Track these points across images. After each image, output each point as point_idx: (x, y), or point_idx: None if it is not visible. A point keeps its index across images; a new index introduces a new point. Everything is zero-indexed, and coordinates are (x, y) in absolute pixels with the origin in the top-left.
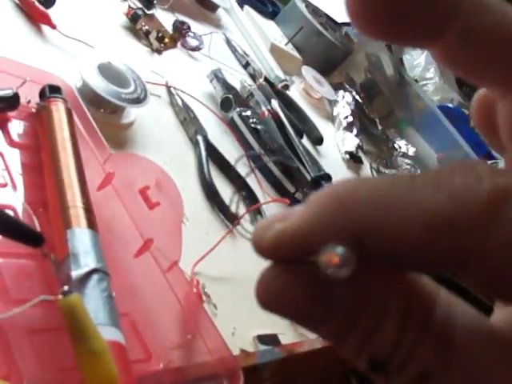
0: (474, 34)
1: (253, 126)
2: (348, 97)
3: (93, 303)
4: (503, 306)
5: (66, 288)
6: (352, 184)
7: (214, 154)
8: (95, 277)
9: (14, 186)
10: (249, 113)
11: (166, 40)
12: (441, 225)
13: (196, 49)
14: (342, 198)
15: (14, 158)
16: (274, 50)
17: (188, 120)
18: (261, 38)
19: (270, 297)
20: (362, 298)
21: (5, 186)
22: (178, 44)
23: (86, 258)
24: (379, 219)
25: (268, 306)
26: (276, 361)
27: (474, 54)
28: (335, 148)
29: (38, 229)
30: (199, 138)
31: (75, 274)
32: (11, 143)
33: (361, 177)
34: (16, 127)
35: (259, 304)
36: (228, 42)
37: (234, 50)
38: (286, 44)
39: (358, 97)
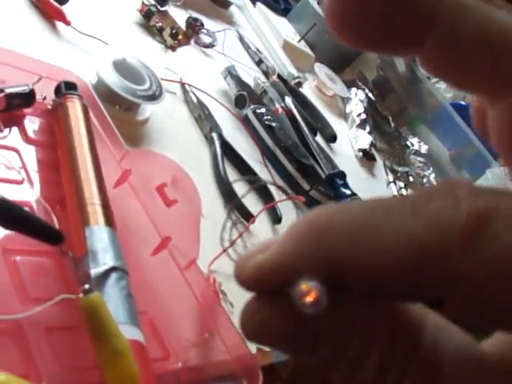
0: (454, 39)
1: (267, 123)
2: (361, 94)
3: (112, 302)
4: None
5: (86, 286)
6: (328, 213)
7: (228, 151)
8: (114, 275)
9: (31, 183)
10: (263, 110)
11: (180, 37)
12: (417, 253)
13: (209, 46)
14: (317, 228)
15: (30, 154)
16: (287, 47)
17: (203, 117)
18: (273, 35)
19: (251, 331)
20: (346, 328)
21: (21, 182)
22: (192, 41)
23: (104, 256)
24: (355, 248)
25: (251, 339)
26: (292, 359)
27: (456, 61)
28: (348, 145)
29: (57, 226)
30: (214, 135)
31: (94, 272)
32: (27, 140)
33: (339, 204)
34: (32, 124)
35: (244, 336)
36: (241, 38)
37: (246, 46)
38: (299, 41)
39: (370, 94)
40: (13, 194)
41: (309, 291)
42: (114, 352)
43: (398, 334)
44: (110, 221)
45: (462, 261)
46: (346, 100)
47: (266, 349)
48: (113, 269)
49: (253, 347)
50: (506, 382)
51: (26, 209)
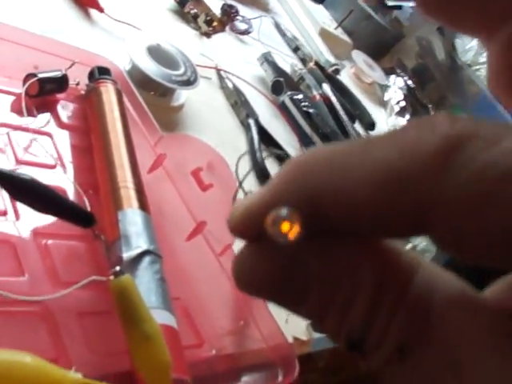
0: None
1: (305, 109)
2: (400, 82)
3: (144, 286)
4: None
5: (117, 268)
6: (310, 152)
7: (265, 137)
8: (147, 259)
9: (64, 168)
10: (300, 96)
11: (215, 23)
12: (393, 181)
13: (245, 32)
14: (299, 167)
15: (63, 139)
16: (324, 34)
17: (239, 103)
18: (310, 22)
19: (242, 279)
20: (334, 272)
21: (54, 167)
22: (227, 28)
23: (137, 240)
24: (333, 183)
25: (242, 288)
26: (330, 349)
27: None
28: None
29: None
30: (251, 121)
31: (126, 255)
32: (60, 125)
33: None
34: (65, 109)
35: (236, 286)
36: (277, 25)
37: (283, 34)
38: (336, 28)
39: (409, 82)
40: (46, 178)
41: (281, 218)
42: (144, 336)
43: (387, 276)
44: (143, 205)
45: (436, 185)
46: (384, 87)
47: (304, 338)
48: (146, 252)
49: (288, 336)
50: (499, 325)
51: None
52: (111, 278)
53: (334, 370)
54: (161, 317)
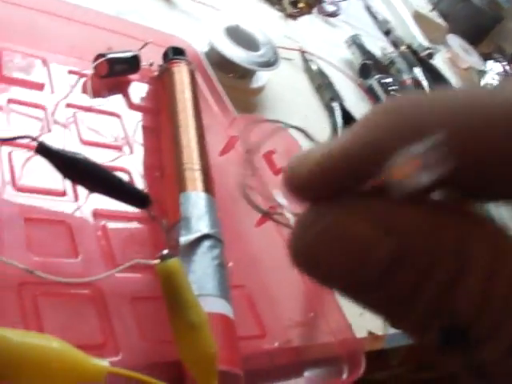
0: None
1: (393, 93)
2: (498, 67)
3: (201, 271)
4: None
5: (165, 252)
6: (403, 97)
7: (350, 122)
8: (206, 243)
9: (131, 149)
10: (389, 80)
11: (301, 5)
12: None
13: (333, 14)
14: (398, 109)
15: (134, 121)
16: (418, 17)
17: (323, 86)
18: (403, 4)
19: (304, 247)
20: (438, 245)
21: (120, 148)
22: (314, 10)
23: (198, 223)
24: (446, 124)
25: (301, 264)
26: (406, 346)
27: None
28: None
29: (151, 192)
30: (335, 104)
31: (184, 239)
32: (131, 106)
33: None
34: (137, 90)
35: (293, 263)
36: (367, 8)
37: (373, 16)
38: (431, 11)
39: (508, 67)
40: (111, 159)
41: (419, 156)
42: (188, 325)
43: (502, 255)
44: (208, 187)
45: None
46: (481, 73)
47: (379, 333)
48: (205, 236)
49: (362, 330)
50: None
51: (123, 175)
52: (156, 261)
53: (408, 369)
54: (215, 305)
